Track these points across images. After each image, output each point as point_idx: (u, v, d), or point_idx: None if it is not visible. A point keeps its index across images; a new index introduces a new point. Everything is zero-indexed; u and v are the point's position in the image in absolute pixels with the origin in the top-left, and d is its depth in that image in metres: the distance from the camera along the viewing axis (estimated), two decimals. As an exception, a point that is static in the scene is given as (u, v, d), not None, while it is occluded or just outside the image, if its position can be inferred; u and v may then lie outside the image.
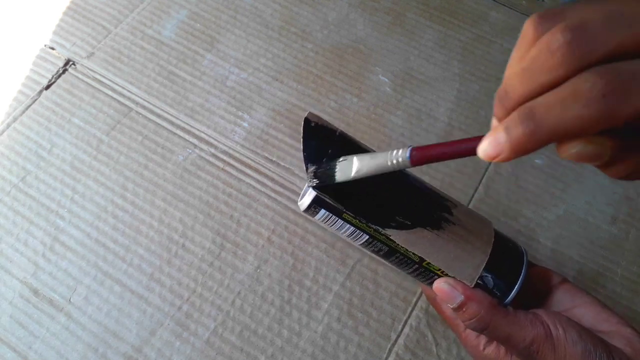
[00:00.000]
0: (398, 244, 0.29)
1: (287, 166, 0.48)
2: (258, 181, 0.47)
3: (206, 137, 0.49)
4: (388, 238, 0.29)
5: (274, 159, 0.48)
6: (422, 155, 0.23)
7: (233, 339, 0.41)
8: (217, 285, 0.43)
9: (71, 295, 0.43)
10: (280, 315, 0.42)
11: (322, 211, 0.29)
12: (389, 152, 0.25)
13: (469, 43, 0.55)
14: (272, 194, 0.47)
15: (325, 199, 0.28)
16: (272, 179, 0.47)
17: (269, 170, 0.48)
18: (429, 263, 0.30)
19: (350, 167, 0.27)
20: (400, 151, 0.24)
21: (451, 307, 0.29)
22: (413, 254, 0.30)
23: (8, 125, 0.50)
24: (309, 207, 0.29)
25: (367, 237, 0.30)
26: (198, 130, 0.50)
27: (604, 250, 0.45)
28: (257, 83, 0.52)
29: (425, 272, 0.30)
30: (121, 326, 0.42)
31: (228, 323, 0.42)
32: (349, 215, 0.29)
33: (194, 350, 0.41)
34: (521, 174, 0.48)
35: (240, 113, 0.51)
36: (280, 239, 0.45)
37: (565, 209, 0.47)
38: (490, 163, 0.49)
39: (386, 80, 0.53)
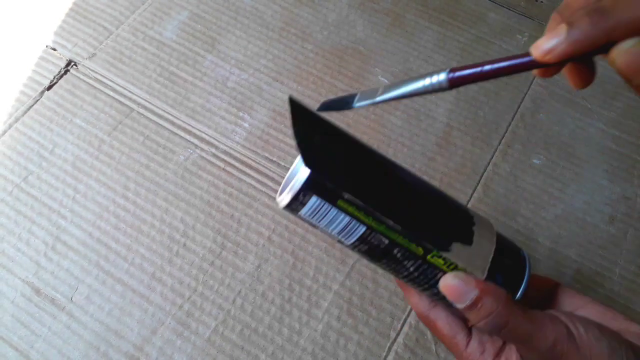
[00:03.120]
0: (399, 236, 0.25)
1: (288, 166, 0.48)
2: (259, 181, 0.48)
3: (207, 138, 0.50)
4: (389, 228, 0.25)
5: (274, 159, 0.49)
6: (461, 76, 0.21)
7: (234, 337, 0.42)
8: (218, 284, 0.43)
9: (73, 295, 0.43)
10: (281, 313, 0.42)
11: (314, 199, 0.24)
12: (424, 75, 0.23)
13: (467, 44, 0.56)
14: (273, 194, 0.47)
15: (321, 176, 0.23)
16: (272, 179, 0.48)
17: (270, 170, 0.48)
18: (436, 255, 0.26)
19: (375, 91, 0.24)
20: (437, 75, 0.22)
21: (462, 306, 0.25)
22: (416, 246, 0.25)
23: (10, 126, 0.50)
24: (298, 194, 0.24)
25: (365, 228, 0.25)
26: (199, 130, 0.50)
27: (602, 249, 0.46)
28: (257, 84, 0.53)
29: (427, 270, 0.26)
30: (122, 325, 0.42)
31: (229, 322, 0.42)
32: (347, 201, 0.24)
33: (195, 349, 0.41)
34: (519, 174, 0.49)
35: (240, 113, 0.51)
36: (280, 238, 0.45)
37: (564, 209, 0.47)
38: (488, 164, 0.49)
39: (386, 81, 0.53)
